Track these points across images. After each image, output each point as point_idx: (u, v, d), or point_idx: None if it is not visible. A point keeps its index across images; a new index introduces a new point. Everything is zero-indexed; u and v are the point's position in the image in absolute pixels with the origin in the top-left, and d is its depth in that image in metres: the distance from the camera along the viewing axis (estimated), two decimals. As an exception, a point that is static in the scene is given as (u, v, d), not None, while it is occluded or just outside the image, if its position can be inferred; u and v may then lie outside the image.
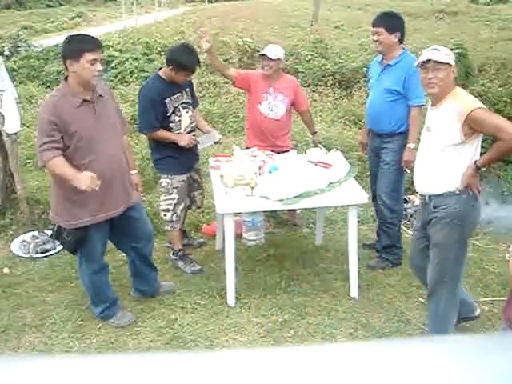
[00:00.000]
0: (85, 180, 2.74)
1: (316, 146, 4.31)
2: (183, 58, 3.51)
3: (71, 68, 2.84)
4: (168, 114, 3.64)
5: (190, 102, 3.79)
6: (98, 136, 2.93)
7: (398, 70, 3.56)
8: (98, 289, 3.28)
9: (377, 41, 3.61)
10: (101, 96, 3.01)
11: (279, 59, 3.98)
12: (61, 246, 4.15)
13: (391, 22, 3.62)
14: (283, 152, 4.00)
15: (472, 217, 2.81)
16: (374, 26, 3.63)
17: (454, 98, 2.67)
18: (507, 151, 2.71)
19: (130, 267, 3.52)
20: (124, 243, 3.34)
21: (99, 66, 2.87)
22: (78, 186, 2.75)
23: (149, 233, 3.41)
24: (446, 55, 2.64)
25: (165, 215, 3.85)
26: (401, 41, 3.62)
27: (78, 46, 2.83)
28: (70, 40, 2.92)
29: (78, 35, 3.06)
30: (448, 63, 2.62)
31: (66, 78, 2.94)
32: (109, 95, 3.13)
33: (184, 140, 3.66)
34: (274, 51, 3.96)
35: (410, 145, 3.56)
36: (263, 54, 3.98)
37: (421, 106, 3.56)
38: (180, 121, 3.70)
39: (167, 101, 3.60)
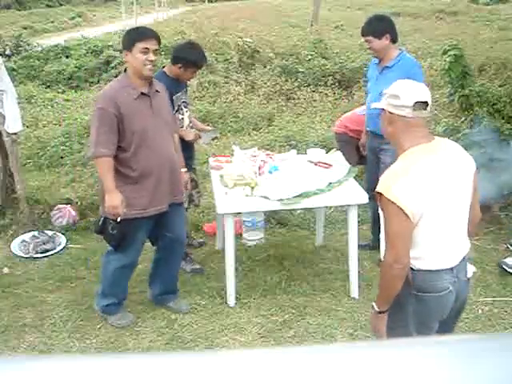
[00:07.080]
0: (115, 200, 2.84)
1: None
2: (191, 55, 3.53)
3: (126, 58, 2.97)
4: (173, 112, 3.63)
5: (187, 101, 3.80)
6: (152, 130, 2.95)
7: (397, 71, 3.52)
8: (116, 282, 3.24)
9: (370, 48, 3.71)
10: (157, 91, 3.06)
11: None
12: (61, 246, 4.18)
13: (377, 27, 3.64)
14: None
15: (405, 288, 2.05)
16: (362, 35, 3.71)
17: None
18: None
19: (152, 266, 3.44)
20: (163, 239, 3.26)
21: (151, 56, 2.89)
22: (106, 200, 2.86)
23: (183, 236, 3.36)
24: None
25: None
26: (394, 41, 3.64)
27: (131, 36, 2.97)
28: (127, 32, 3.10)
29: (134, 27, 3.24)
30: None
31: (125, 70, 3.04)
32: (164, 93, 3.18)
33: (190, 136, 3.66)
34: None
35: None
36: None
37: None
38: (183, 119, 3.70)
39: (174, 98, 3.58)
